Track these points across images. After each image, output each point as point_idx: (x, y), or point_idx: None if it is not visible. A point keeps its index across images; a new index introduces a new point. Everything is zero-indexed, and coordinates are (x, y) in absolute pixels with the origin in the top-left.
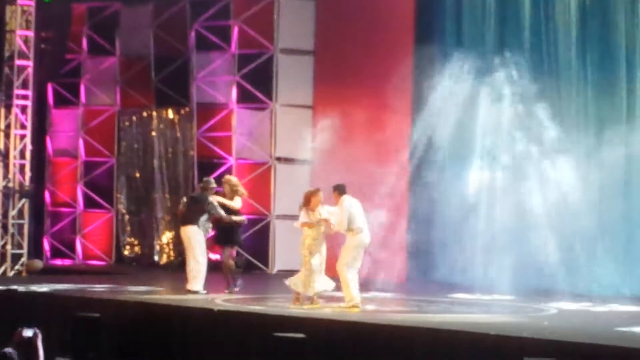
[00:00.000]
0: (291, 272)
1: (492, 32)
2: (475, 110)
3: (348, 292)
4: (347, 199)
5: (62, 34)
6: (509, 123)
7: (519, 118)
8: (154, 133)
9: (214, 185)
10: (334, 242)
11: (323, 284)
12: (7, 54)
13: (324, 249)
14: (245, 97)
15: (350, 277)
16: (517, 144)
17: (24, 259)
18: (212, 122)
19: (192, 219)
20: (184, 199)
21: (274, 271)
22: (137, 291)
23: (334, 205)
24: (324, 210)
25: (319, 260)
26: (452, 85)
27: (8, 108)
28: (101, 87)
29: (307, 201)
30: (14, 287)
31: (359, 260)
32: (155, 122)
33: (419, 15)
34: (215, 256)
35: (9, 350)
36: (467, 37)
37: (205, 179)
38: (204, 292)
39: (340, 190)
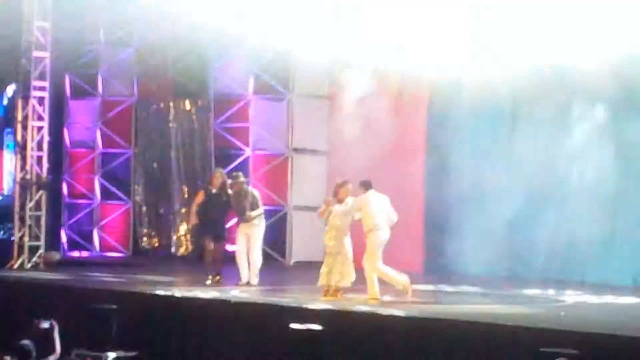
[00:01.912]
0: (308, 264)
1: None
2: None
3: (372, 288)
4: (369, 194)
5: (80, 25)
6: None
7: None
8: (171, 124)
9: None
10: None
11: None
12: (24, 45)
13: (348, 241)
14: (262, 88)
15: (375, 274)
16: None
17: (41, 251)
18: (229, 113)
19: None
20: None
21: (291, 262)
22: (154, 283)
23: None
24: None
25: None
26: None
27: (25, 99)
28: (118, 79)
29: (335, 193)
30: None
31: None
32: (172, 113)
33: None
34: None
35: (26, 342)
36: None
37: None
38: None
39: (366, 185)
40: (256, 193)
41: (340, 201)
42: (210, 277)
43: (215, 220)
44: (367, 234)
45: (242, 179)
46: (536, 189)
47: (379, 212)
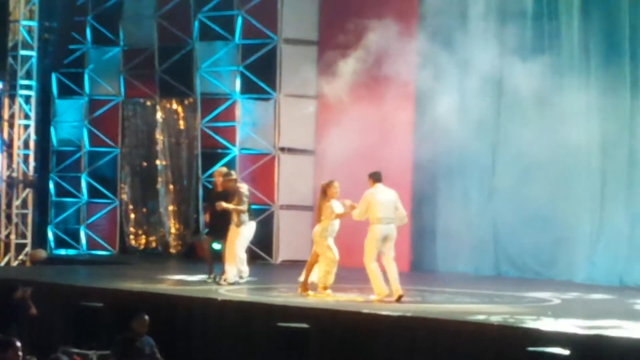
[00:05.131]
0: (295, 263)
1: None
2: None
3: (377, 285)
4: (376, 187)
5: (66, 24)
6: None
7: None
8: (158, 123)
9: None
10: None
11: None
12: (10, 44)
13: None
14: (249, 88)
15: (375, 269)
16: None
17: (27, 249)
18: (215, 112)
19: None
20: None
21: (278, 261)
22: (141, 281)
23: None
24: (336, 205)
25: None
26: (455, 75)
27: (12, 98)
28: (105, 77)
29: (324, 193)
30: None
31: (383, 251)
32: (159, 112)
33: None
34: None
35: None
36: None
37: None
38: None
39: (374, 178)
40: (244, 191)
41: (330, 200)
42: (211, 276)
43: (215, 219)
44: (369, 227)
45: (232, 177)
46: (523, 190)
47: (387, 205)
